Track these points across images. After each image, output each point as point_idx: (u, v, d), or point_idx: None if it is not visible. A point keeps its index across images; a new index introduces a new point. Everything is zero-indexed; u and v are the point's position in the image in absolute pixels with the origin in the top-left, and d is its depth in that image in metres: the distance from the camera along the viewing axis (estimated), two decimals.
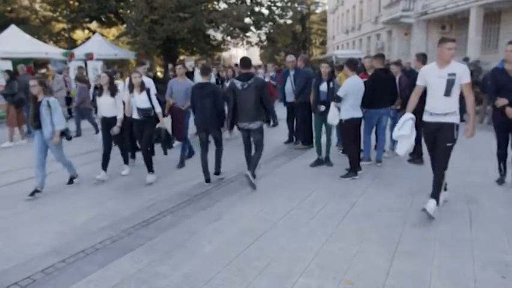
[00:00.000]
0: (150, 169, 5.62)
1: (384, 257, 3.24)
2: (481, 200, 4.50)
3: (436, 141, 4.04)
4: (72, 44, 24.57)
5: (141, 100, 5.43)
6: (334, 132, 6.99)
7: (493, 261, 3.12)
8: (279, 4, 26.12)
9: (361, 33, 33.43)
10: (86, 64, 16.37)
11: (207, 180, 5.43)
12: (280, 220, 4.08)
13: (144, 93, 5.44)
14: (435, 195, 3.98)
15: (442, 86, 3.91)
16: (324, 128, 6.19)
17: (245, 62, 5.22)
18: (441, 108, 3.97)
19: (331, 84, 5.89)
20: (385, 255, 3.27)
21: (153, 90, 5.66)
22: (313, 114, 6.42)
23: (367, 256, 3.28)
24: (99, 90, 5.69)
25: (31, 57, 16.24)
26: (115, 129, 5.52)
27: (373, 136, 6.37)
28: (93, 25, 29.19)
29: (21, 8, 27.27)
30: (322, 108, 5.93)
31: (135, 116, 5.53)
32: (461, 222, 3.92)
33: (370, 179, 5.41)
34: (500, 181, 5.01)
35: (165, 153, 5.92)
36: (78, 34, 30.54)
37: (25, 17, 27.08)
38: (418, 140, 6.18)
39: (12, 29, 16.06)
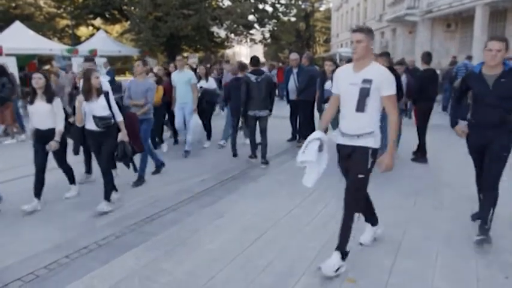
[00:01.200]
0: (107, 196, 4.51)
1: (386, 256, 3.23)
2: None
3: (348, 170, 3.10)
4: (76, 40, 24.67)
5: (99, 106, 4.38)
6: None
7: (497, 261, 3.11)
8: (283, 1, 26.12)
9: None
10: None
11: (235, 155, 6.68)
12: (283, 218, 4.08)
13: (102, 97, 4.42)
14: (371, 222, 3.40)
15: (354, 97, 2.89)
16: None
17: (255, 60, 6.28)
18: (353, 127, 2.95)
19: None
20: (388, 253, 3.27)
21: (112, 94, 4.69)
22: (315, 112, 6.43)
23: (369, 255, 3.27)
24: (31, 95, 4.58)
25: (35, 54, 16.32)
26: (52, 145, 4.39)
27: None
28: (97, 22, 29.30)
29: (25, 5, 27.38)
30: (327, 106, 5.92)
31: (90, 126, 4.45)
32: (465, 221, 3.90)
33: (373, 178, 5.37)
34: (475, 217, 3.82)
35: (136, 170, 5.09)
36: (82, 31, 30.65)
37: (29, 14, 27.22)
38: (422, 137, 6.18)
39: (17, 25, 16.15)
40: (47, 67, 18.88)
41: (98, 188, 5.24)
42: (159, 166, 5.92)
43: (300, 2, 28.79)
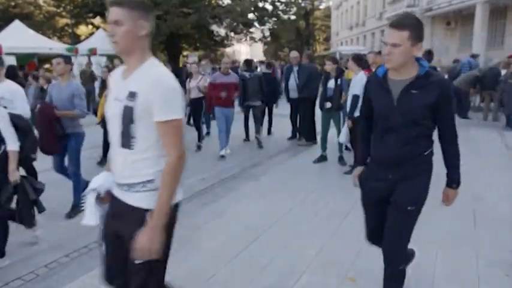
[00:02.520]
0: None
1: None
2: (485, 197, 4.48)
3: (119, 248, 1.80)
4: (76, 39, 24.65)
5: None
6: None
7: (497, 259, 3.11)
8: (283, 0, 26.04)
9: (365, 29, 33.28)
10: (89, 59, 16.41)
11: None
12: (284, 217, 4.08)
13: None
14: None
15: (116, 121, 1.67)
16: (332, 124, 6.14)
17: (248, 62, 8.11)
18: (121, 172, 1.72)
19: (338, 81, 5.88)
20: None
21: (4, 112, 3.21)
22: (317, 111, 6.44)
23: (370, 253, 3.26)
24: None
25: (35, 53, 16.29)
26: None
27: None
28: (97, 20, 29.21)
29: (25, 3, 27.36)
30: (328, 105, 5.92)
31: None
32: (465, 219, 3.90)
33: None
34: None
35: (41, 212, 3.58)
36: (82, 29, 30.61)
37: (29, 12, 27.20)
38: None
39: (16, 24, 16.12)
40: (46, 66, 18.85)
41: None
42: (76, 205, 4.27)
43: (299, 1, 28.75)
